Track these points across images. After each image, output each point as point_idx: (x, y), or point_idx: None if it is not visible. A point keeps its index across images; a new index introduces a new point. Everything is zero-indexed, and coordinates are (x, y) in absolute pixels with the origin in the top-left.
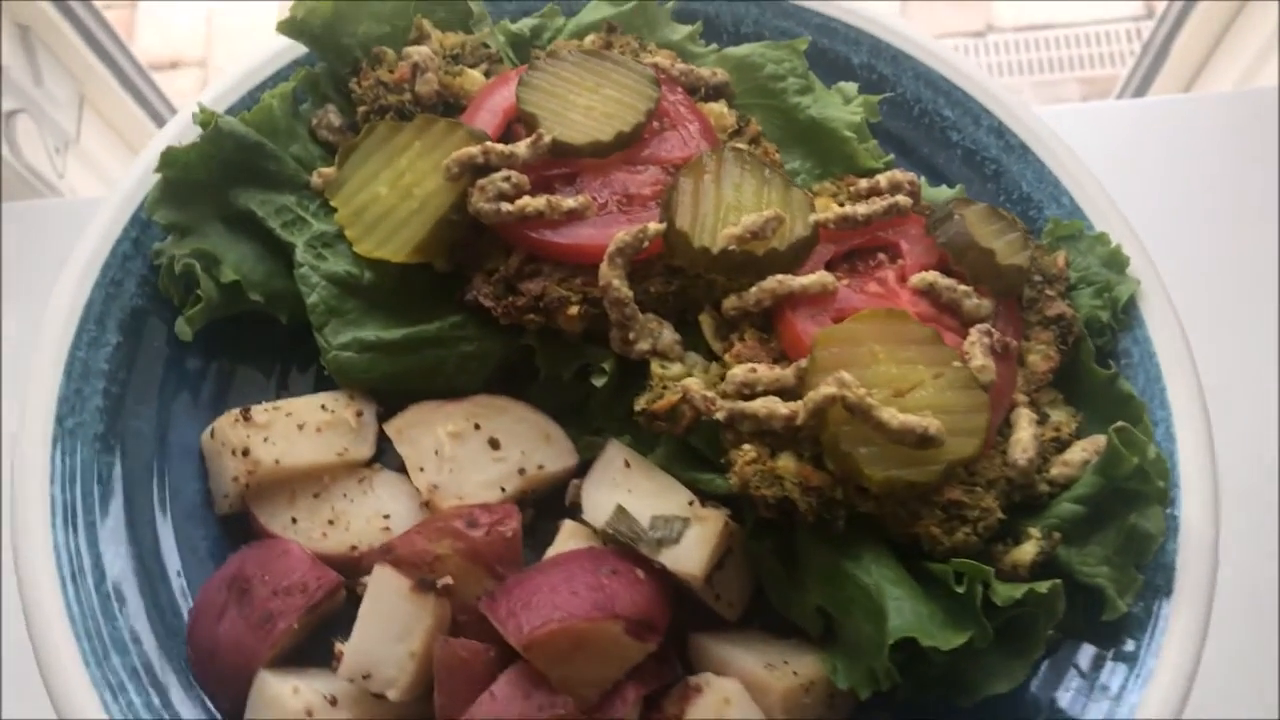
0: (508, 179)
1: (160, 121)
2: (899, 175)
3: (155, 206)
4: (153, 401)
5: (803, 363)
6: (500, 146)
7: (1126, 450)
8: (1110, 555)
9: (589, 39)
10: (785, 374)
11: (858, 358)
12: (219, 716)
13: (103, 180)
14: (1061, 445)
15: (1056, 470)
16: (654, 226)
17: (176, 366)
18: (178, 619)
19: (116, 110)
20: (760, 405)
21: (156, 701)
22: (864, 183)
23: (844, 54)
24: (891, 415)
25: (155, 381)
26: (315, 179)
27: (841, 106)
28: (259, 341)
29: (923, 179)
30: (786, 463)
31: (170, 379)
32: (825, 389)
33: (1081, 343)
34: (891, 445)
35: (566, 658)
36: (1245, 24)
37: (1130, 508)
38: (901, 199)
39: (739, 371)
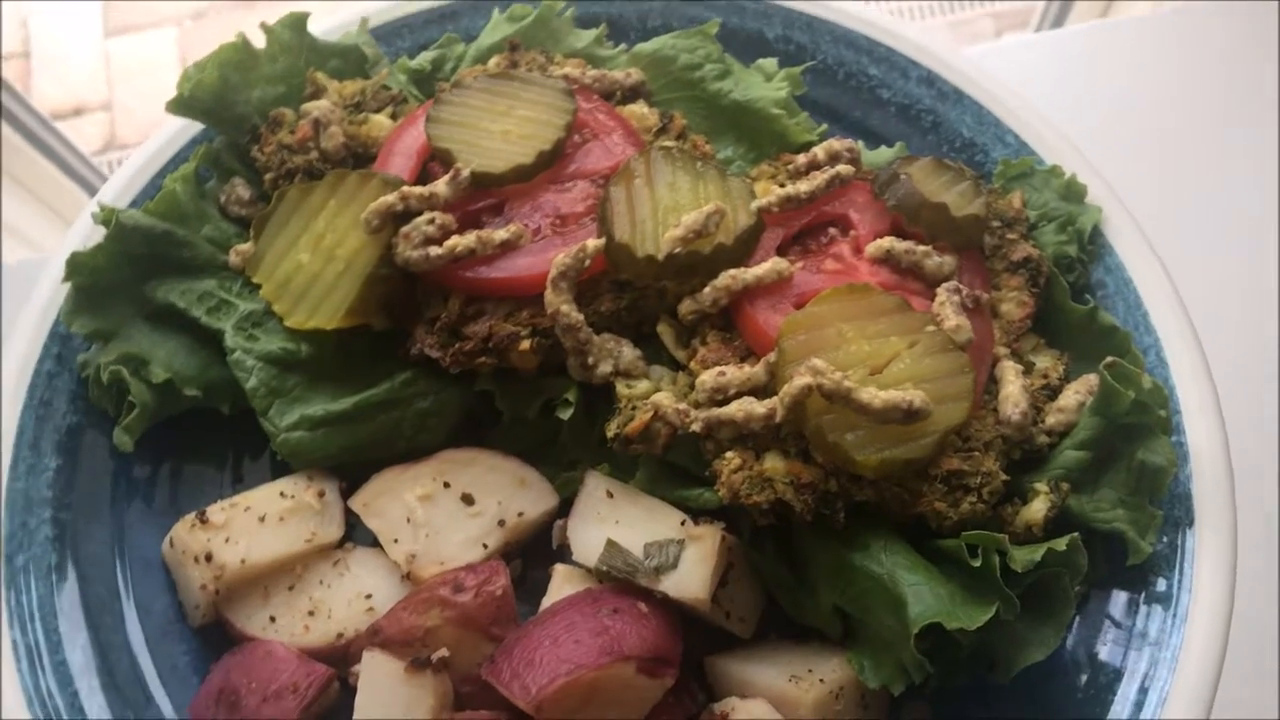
0: (432, 221)
1: (71, 173)
2: (836, 144)
3: (72, 317)
4: (105, 520)
5: (771, 356)
6: (418, 189)
7: (1120, 385)
8: (1124, 496)
9: (493, 61)
10: (756, 371)
11: (827, 340)
12: None
13: (22, 241)
14: (1053, 391)
15: (1053, 418)
16: (593, 244)
17: (124, 478)
18: None
19: (24, 168)
20: (736, 409)
21: None
22: (801, 158)
23: (757, 30)
24: (872, 395)
25: (104, 498)
26: (233, 257)
27: (764, 85)
28: (205, 436)
29: (861, 144)
30: (774, 463)
31: (119, 493)
32: (799, 380)
33: (1054, 282)
34: (878, 426)
35: (581, 710)
36: None
37: (1135, 443)
38: (842, 168)
39: (708, 377)
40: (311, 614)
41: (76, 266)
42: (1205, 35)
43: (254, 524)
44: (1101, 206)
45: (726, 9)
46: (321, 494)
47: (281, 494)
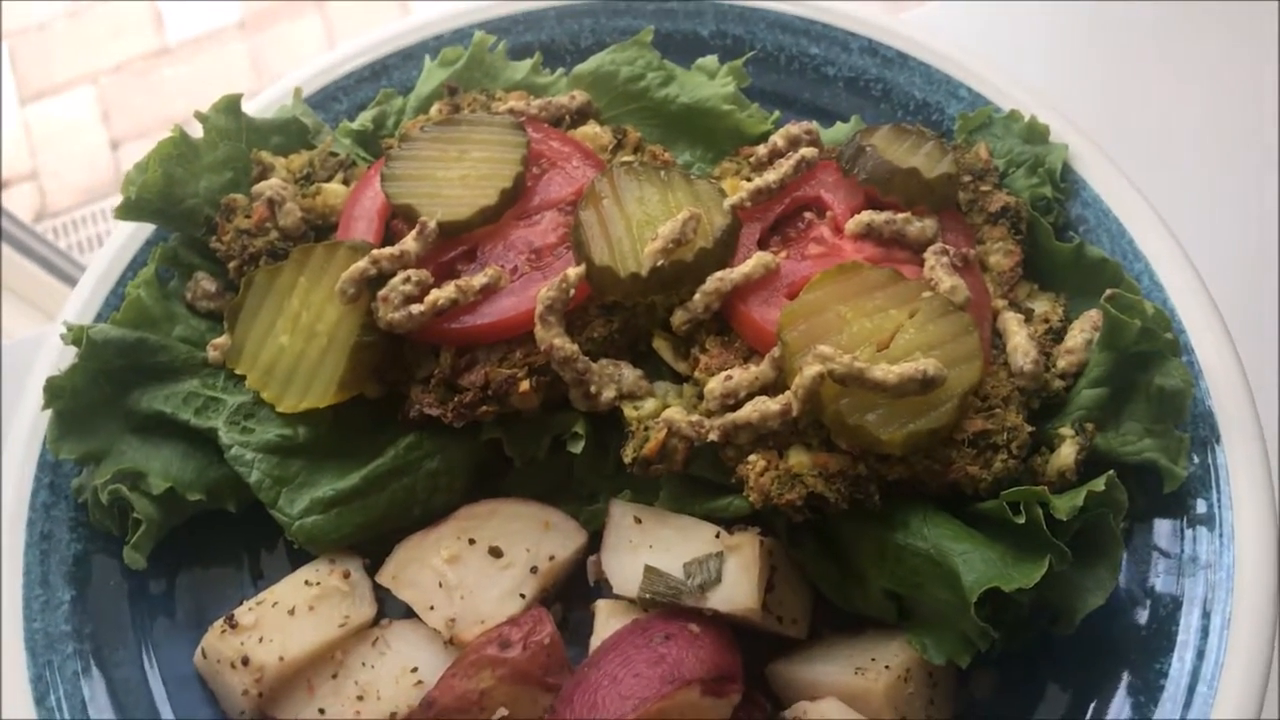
0: (408, 280)
1: (15, 244)
2: (794, 129)
3: (59, 445)
4: (130, 643)
5: (776, 351)
6: (388, 250)
7: (1125, 315)
8: (1149, 425)
9: (434, 109)
10: (763, 369)
11: (828, 325)
12: None
13: None
14: (1057, 334)
15: (1063, 361)
16: (574, 272)
17: (142, 597)
18: None
19: None
20: (750, 410)
21: None
22: (762, 149)
23: (691, 30)
24: (886, 371)
25: (125, 621)
26: (211, 353)
27: (709, 83)
28: (216, 539)
29: (816, 124)
30: (799, 458)
31: (140, 612)
32: (809, 369)
33: (1035, 225)
34: (897, 401)
35: None
36: None
37: (1149, 371)
38: (806, 151)
39: (715, 384)
40: (360, 699)
41: (55, 391)
42: None
43: (284, 618)
44: (1067, 143)
45: (656, 14)
46: (347, 575)
47: (306, 582)
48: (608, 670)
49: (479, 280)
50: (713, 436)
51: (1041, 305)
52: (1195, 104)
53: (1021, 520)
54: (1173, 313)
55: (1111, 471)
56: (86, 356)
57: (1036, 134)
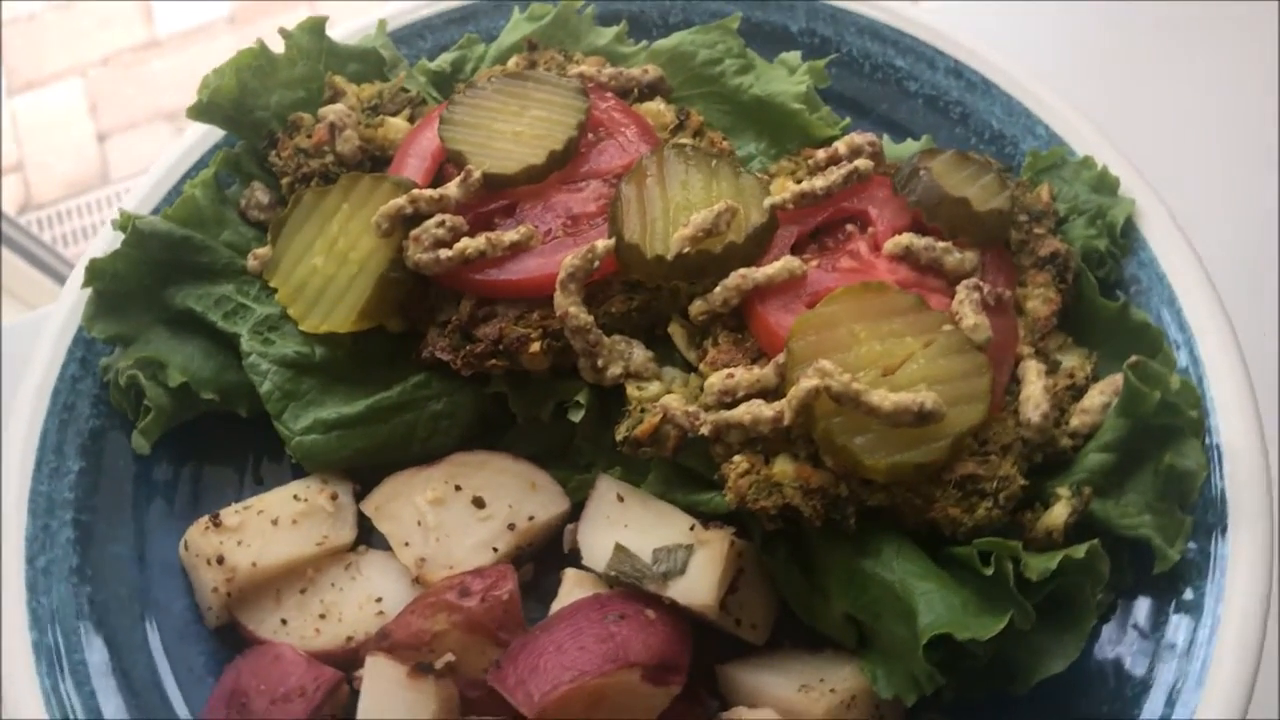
0: (442, 224)
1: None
2: (857, 139)
3: (92, 322)
4: (126, 522)
5: (781, 358)
6: (428, 192)
7: (1145, 385)
8: (1151, 501)
9: (512, 61)
10: (765, 373)
11: (838, 341)
12: None
13: None
14: (1078, 392)
15: (1077, 420)
16: (602, 244)
17: (145, 481)
18: None
19: None
20: (744, 411)
21: None
22: (822, 153)
23: (781, 24)
24: (882, 397)
25: (126, 501)
26: (251, 262)
27: (786, 79)
28: (226, 439)
29: (886, 137)
30: (784, 467)
31: (141, 496)
32: (805, 382)
33: (1082, 277)
34: (889, 429)
35: (585, 717)
36: None
37: (1163, 446)
38: (861, 163)
39: (715, 379)
40: (323, 617)
41: (96, 272)
42: None
43: (267, 527)
44: (1135, 199)
45: (749, 4)
46: (335, 497)
47: (295, 497)
48: (556, 638)
49: (509, 236)
50: (704, 430)
51: (1071, 360)
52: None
53: (989, 571)
54: (1205, 391)
55: (1095, 541)
56: (131, 244)
57: (1106, 185)
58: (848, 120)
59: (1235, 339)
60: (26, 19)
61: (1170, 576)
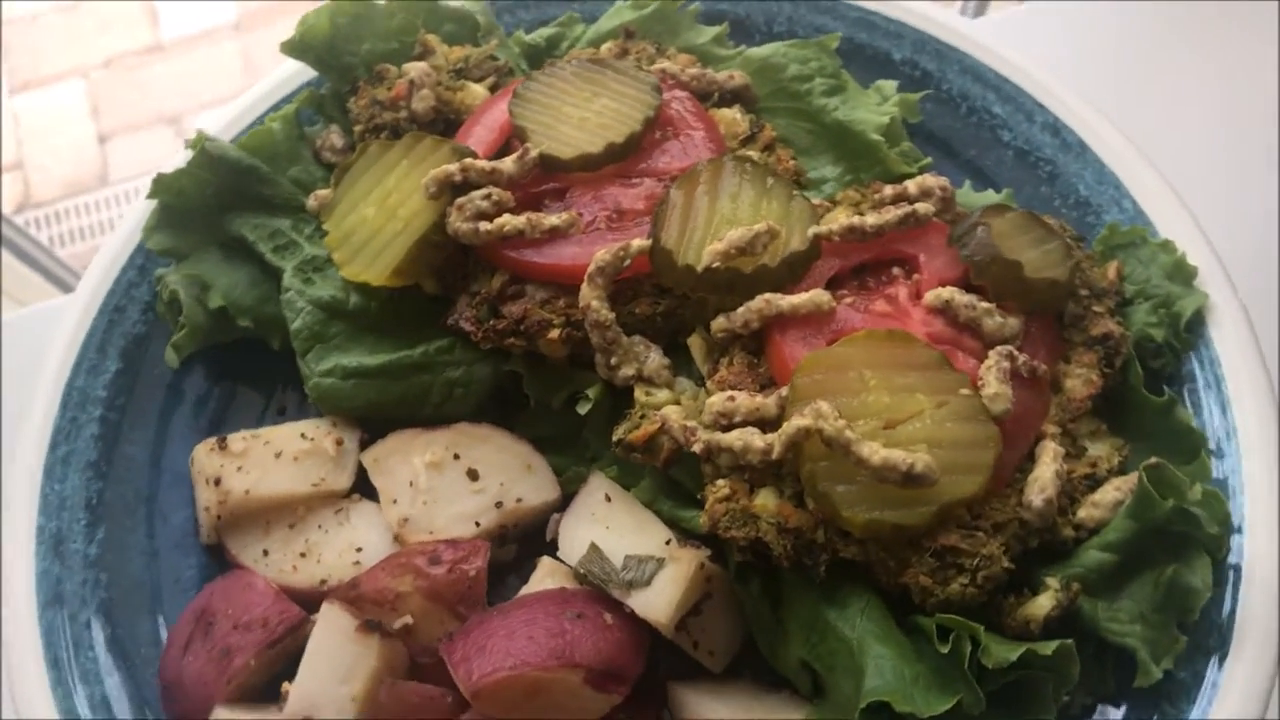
0: (488, 197)
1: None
2: (929, 180)
3: (149, 232)
4: (150, 428)
5: (784, 390)
6: (481, 163)
7: (1159, 490)
8: (1145, 612)
9: (605, 47)
10: (767, 403)
11: (846, 385)
12: None
13: None
14: (1097, 483)
15: (1085, 512)
16: (637, 244)
17: (176, 392)
18: (155, 649)
19: None
20: (735, 437)
21: None
22: (889, 189)
23: (884, 50)
24: (872, 450)
25: (154, 408)
26: (311, 201)
27: (873, 107)
28: (260, 366)
29: (968, 184)
30: (765, 500)
31: (170, 405)
32: (797, 420)
33: (1130, 365)
34: (875, 483)
35: (518, 708)
36: None
37: (1172, 556)
38: (920, 207)
39: (716, 399)
40: (303, 556)
41: (162, 186)
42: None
43: (269, 459)
44: (1209, 293)
45: (856, 24)
46: (340, 442)
47: (302, 435)
48: (510, 623)
49: (549, 220)
50: (696, 448)
51: (1100, 448)
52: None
53: (945, 649)
54: (1238, 508)
55: (1069, 641)
56: (198, 165)
57: (1182, 273)
58: (929, 160)
59: None
60: (30, 19)
61: (1154, 693)
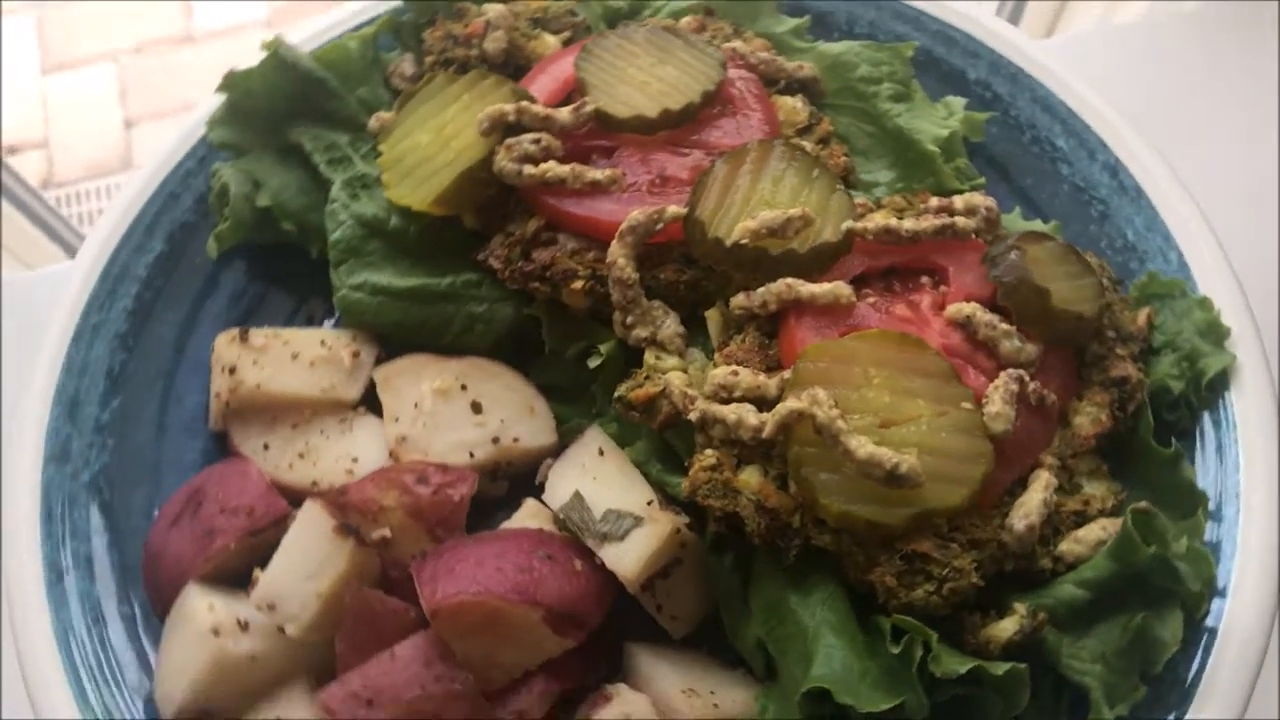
0: (537, 141)
1: (17, 203)
2: (977, 199)
3: (214, 124)
4: (182, 311)
5: (787, 374)
6: (537, 108)
7: (1141, 535)
8: (1108, 654)
9: (684, 20)
10: (768, 383)
11: (848, 377)
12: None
13: None
14: (1083, 521)
15: (1066, 546)
16: (672, 210)
17: (214, 282)
18: (144, 521)
19: None
20: (731, 411)
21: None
22: (935, 201)
23: (960, 67)
24: (860, 443)
25: (190, 293)
26: (373, 122)
27: (936, 119)
28: (295, 272)
29: (1018, 210)
30: (749, 477)
31: (204, 293)
32: (793, 402)
33: (1142, 413)
34: (857, 477)
35: (474, 634)
36: None
37: (1146, 605)
38: (960, 221)
39: (720, 372)
40: (301, 456)
41: (232, 82)
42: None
43: (286, 358)
44: (1236, 355)
45: (936, 36)
46: (356, 354)
47: (322, 342)
48: (482, 551)
49: (593, 174)
50: (692, 415)
51: (1096, 489)
52: None
53: (896, 650)
54: (1228, 573)
55: (1022, 666)
56: (270, 67)
57: (1213, 331)
58: (984, 180)
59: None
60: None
61: None
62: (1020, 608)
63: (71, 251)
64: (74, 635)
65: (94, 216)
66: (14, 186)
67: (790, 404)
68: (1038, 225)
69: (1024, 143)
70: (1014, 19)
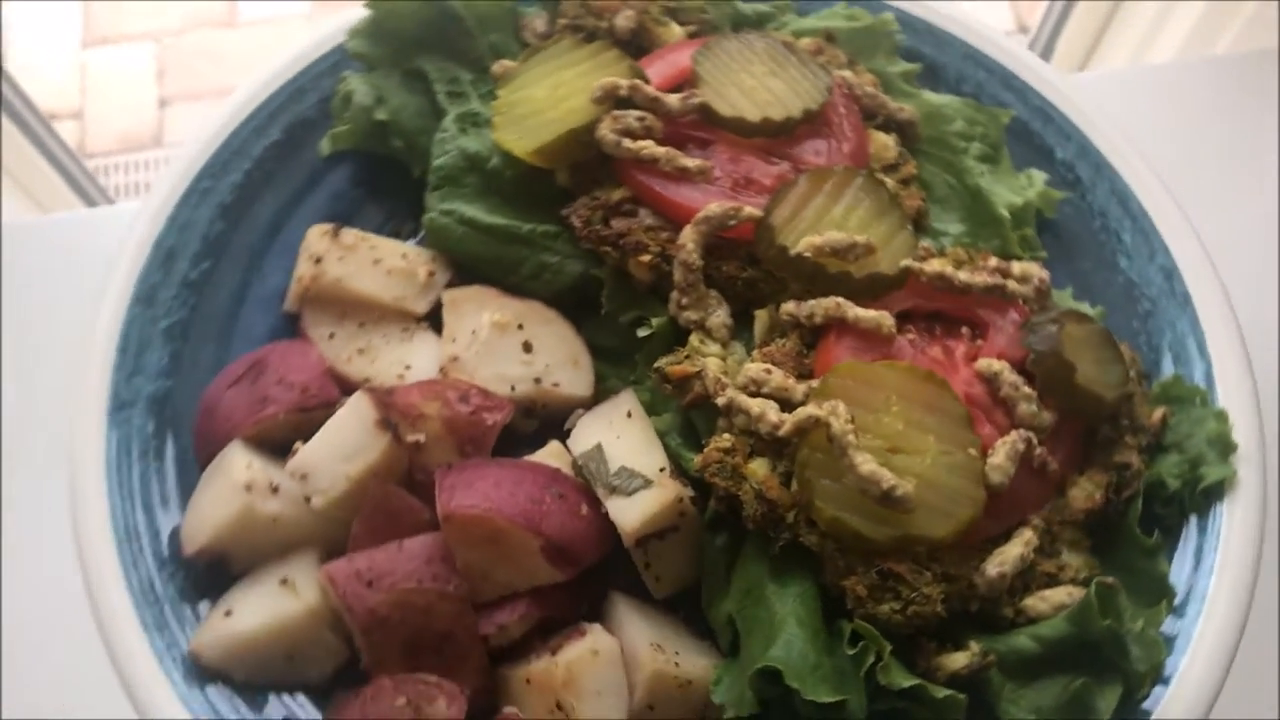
0: (641, 119)
1: (60, 167)
2: (1034, 269)
3: (354, 34)
4: (283, 196)
5: (815, 383)
6: (649, 89)
7: (1101, 607)
8: (1044, 708)
9: (804, 40)
10: (796, 387)
11: (869, 400)
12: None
13: None
14: (1053, 584)
15: (1030, 601)
16: (748, 210)
17: (318, 179)
18: (206, 376)
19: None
20: (756, 404)
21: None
22: (994, 262)
23: (1050, 144)
24: (865, 459)
25: (295, 183)
26: (497, 67)
27: (1014, 186)
28: (395, 188)
29: (1069, 289)
30: (757, 467)
31: (308, 185)
32: (813, 408)
33: (1134, 500)
34: (855, 490)
35: (477, 546)
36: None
37: (1091, 672)
38: (1011, 285)
39: (754, 368)
40: (361, 352)
41: (379, 1)
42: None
43: (369, 261)
44: (1238, 471)
45: (1036, 112)
46: (431, 274)
47: (403, 255)
48: (500, 474)
49: (685, 161)
50: (720, 400)
51: (1074, 559)
52: None
53: (852, 652)
54: (1177, 664)
55: (961, 696)
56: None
57: (1221, 442)
58: (1045, 254)
59: (1236, 643)
60: None
61: None
62: (974, 646)
63: (80, 192)
64: (125, 461)
65: (120, 191)
66: (54, 148)
67: (811, 409)
68: (1085, 308)
69: (1093, 229)
70: (1046, 53)
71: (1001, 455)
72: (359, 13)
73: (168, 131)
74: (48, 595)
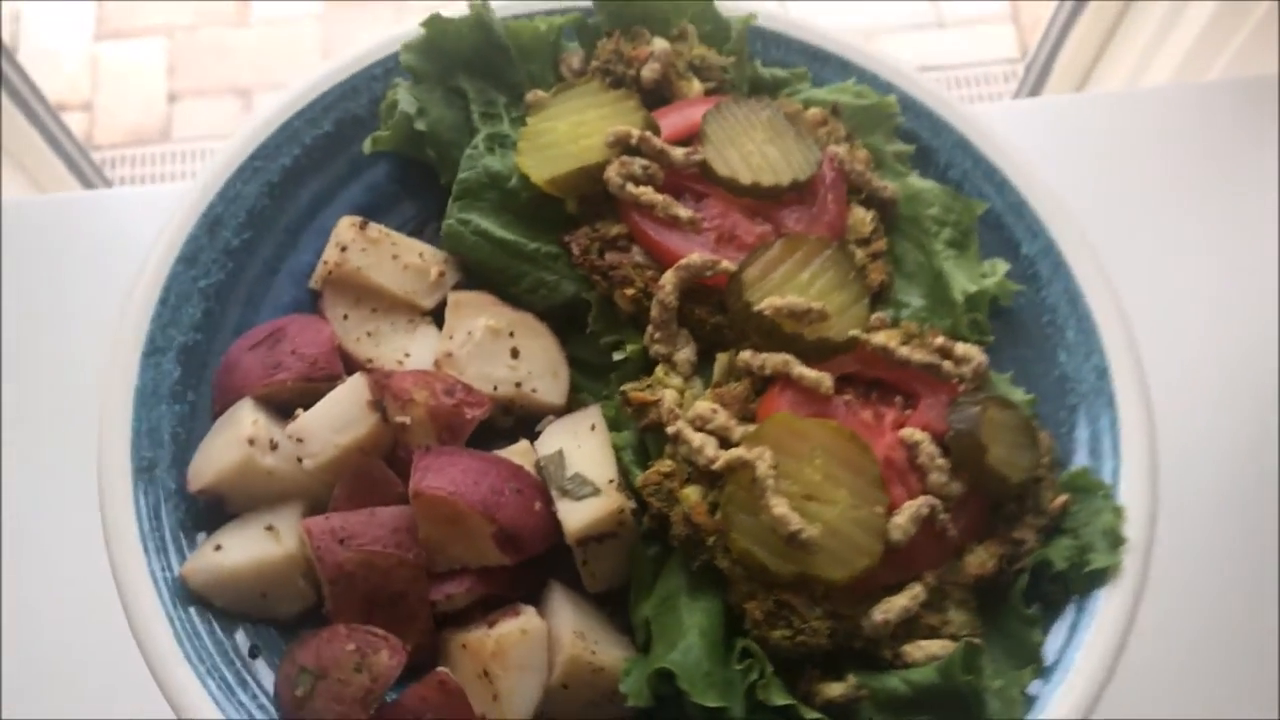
0: (646, 167)
1: (66, 157)
2: (974, 353)
3: (408, 50)
4: (323, 185)
5: (753, 427)
6: (657, 141)
7: (962, 663)
8: None
9: (811, 112)
10: (735, 429)
11: (796, 450)
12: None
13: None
14: (934, 635)
15: (908, 648)
16: (725, 264)
17: (358, 173)
18: (230, 336)
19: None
20: (698, 437)
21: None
22: (940, 341)
23: (1018, 238)
24: (779, 502)
25: (336, 173)
26: (530, 96)
27: (974, 274)
28: (424, 192)
29: (1009, 374)
30: (690, 493)
31: (347, 178)
32: (743, 451)
33: (1022, 573)
34: (767, 528)
35: (438, 523)
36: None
37: (951, 718)
38: (947, 365)
39: (703, 405)
40: (369, 335)
41: (435, 21)
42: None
43: (388, 255)
44: (1121, 565)
45: (1011, 207)
46: (442, 274)
47: (420, 254)
48: (470, 464)
49: (679, 210)
50: (669, 430)
51: (958, 617)
52: None
53: (739, 667)
54: None
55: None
56: (469, 22)
57: (1112, 536)
58: (992, 339)
59: (1091, 708)
60: None
61: None
62: (852, 679)
63: (80, 175)
64: (151, 400)
65: (128, 182)
66: (61, 138)
67: (741, 452)
68: (1019, 393)
69: (1041, 322)
70: (1041, 77)
71: (905, 516)
72: (416, 31)
73: (176, 126)
74: (47, 595)
